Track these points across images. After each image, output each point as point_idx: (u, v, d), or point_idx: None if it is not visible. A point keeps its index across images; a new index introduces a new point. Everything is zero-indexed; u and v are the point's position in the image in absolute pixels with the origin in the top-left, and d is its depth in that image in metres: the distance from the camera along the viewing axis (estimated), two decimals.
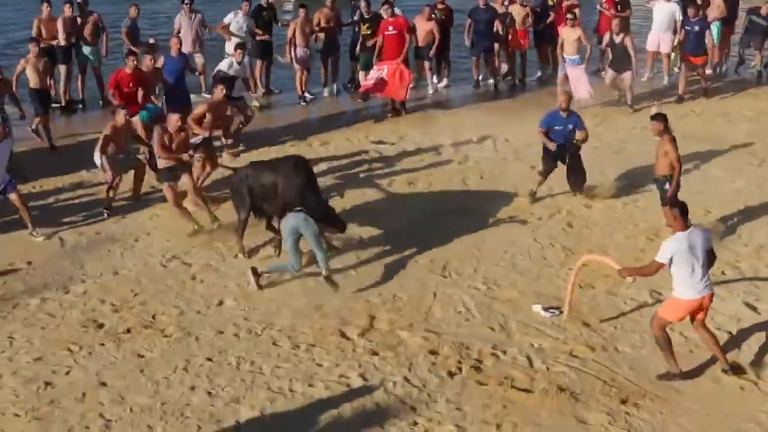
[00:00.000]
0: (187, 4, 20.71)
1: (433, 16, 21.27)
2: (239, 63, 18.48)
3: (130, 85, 17.38)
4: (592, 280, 13.28)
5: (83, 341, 12.11)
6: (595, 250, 14.20)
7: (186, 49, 19.48)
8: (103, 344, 12.06)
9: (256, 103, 20.22)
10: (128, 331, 12.36)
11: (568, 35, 20.31)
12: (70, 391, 11.07)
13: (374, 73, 19.92)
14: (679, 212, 10.85)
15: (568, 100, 15.75)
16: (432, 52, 21.35)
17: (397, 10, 20.96)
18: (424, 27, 21.15)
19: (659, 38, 22.14)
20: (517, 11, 21.82)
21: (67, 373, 11.46)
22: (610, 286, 13.24)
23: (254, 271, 13.31)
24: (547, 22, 22.16)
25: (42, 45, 19.41)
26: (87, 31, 20.39)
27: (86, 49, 20.50)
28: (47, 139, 18.25)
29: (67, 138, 18.67)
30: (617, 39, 20.10)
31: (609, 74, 20.64)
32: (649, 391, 11.00)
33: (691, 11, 21.16)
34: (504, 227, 14.70)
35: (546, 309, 12.60)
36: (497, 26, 21.59)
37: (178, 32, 20.39)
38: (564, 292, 12.61)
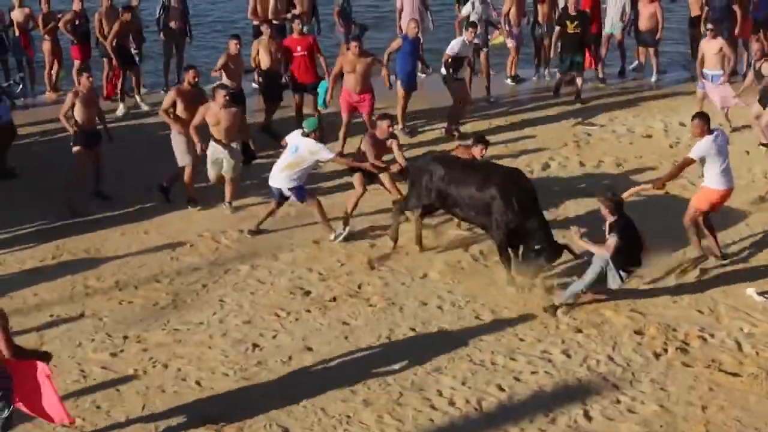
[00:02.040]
0: None
1: None
2: (470, 42, 18.14)
3: (298, 48, 17.74)
4: None
5: (290, 307, 12.41)
6: None
7: (404, 26, 19.15)
8: (309, 311, 12.32)
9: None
10: (334, 299, 12.60)
11: (709, 48, 18.11)
12: (277, 354, 11.36)
13: None
14: (703, 120, 12.77)
15: None
16: (658, 36, 20.80)
17: None
18: (646, 10, 20.58)
19: None
20: None
21: (274, 336, 11.77)
22: None
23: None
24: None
25: (256, 23, 19.84)
26: (301, 8, 20.61)
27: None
28: (264, 124, 18.11)
29: (282, 113, 18.85)
30: (759, 66, 16.70)
31: (755, 109, 16.79)
32: None
33: None
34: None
35: (761, 293, 12.22)
36: (736, 12, 20.39)
37: (401, 11, 20.48)
38: None
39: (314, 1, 21.05)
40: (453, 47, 18.03)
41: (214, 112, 14.75)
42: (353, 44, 17.12)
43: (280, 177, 14.01)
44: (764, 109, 16.24)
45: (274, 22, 19.93)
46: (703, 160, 12.74)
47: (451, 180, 13.13)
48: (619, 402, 10.37)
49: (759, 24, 21.21)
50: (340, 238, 14.02)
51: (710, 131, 12.72)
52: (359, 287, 12.87)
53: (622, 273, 11.83)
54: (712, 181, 12.80)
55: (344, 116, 17.18)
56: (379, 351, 11.37)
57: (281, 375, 10.97)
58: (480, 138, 14.47)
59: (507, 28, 20.49)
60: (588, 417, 10.15)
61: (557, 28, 19.68)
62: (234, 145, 14.98)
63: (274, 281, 13.09)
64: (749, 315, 11.85)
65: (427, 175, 13.34)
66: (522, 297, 12.44)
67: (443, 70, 18.07)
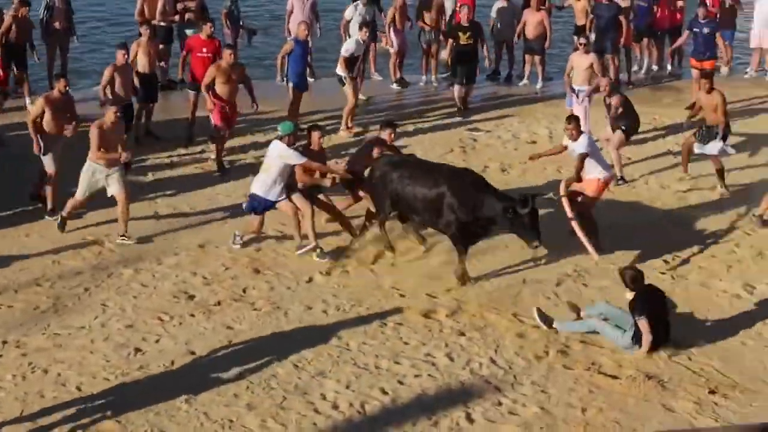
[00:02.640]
0: None
1: (541, 7, 20.95)
2: (363, 42, 18.54)
3: (204, 50, 17.77)
4: (686, 272, 13.16)
5: (174, 311, 12.31)
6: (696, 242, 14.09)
7: (294, 31, 19.19)
8: (193, 315, 12.24)
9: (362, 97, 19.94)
10: (218, 303, 12.52)
11: (579, 63, 17.85)
12: (160, 358, 11.25)
13: None
14: (577, 122, 14.18)
15: None
16: (546, 45, 21.06)
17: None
18: (533, 18, 20.85)
19: (761, 34, 21.71)
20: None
21: (157, 341, 11.66)
22: (704, 278, 13.11)
23: (541, 314, 12.05)
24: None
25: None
26: (191, 11, 20.47)
27: (189, 31, 20.59)
28: (144, 126, 17.91)
29: (165, 116, 18.74)
30: (609, 100, 16.47)
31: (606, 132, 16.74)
32: (739, 383, 10.85)
33: (701, 11, 19.75)
34: (599, 214, 14.48)
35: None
36: (622, 23, 20.78)
37: (291, 14, 20.48)
38: (661, 283, 12.50)
39: (203, 3, 20.92)
40: (348, 49, 18.33)
41: (108, 132, 14.02)
42: (227, 52, 16.65)
43: (256, 180, 13.75)
44: (614, 132, 16.36)
45: (162, 23, 19.83)
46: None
47: (403, 182, 13.20)
48: (500, 404, 10.46)
49: (641, 32, 21.71)
50: (238, 244, 13.91)
51: (582, 132, 14.17)
52: (244, 291, 12.82)
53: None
54: (599, 171, 13.92)
55: (222, 129, 16.52)
56: (263, 355, 11.30)
57: (164, 379, 10.86)
58: (389, 122, 14.77)
59: (391, 32, 20.64)
60: (470, 419, 10.22)
61: (449, 40, 19.77)
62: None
63: (157, 285, 12.97)
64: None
65: (382, 181, 13.40)
66: (406, 301, 12.52)
67: (339, 71, 18.25)
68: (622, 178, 16.15)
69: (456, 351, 11.44)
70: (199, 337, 11.72)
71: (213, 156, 16.74)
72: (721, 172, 15.77)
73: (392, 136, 14.47)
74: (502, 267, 13.33)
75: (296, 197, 13.62)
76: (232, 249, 13.83)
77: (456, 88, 19.82)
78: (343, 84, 18.31)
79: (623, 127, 16.20)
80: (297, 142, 13.96)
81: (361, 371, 11.04)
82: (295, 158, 13.57)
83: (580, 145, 13.88)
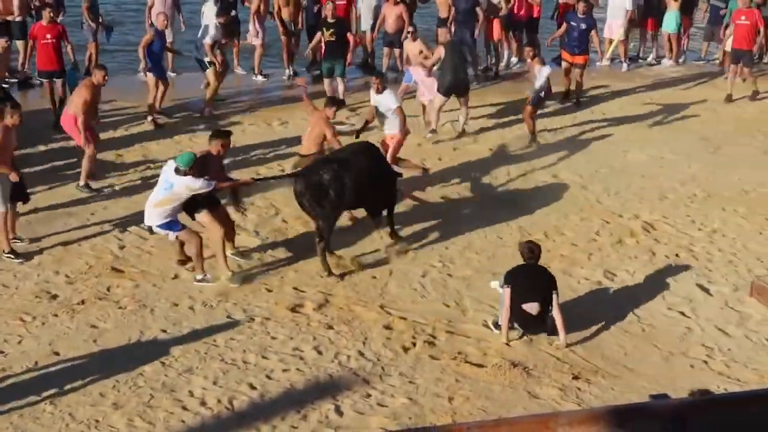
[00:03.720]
0: None
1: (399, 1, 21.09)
2: (221, 24, 18.70)
3: (48, 36, 17.83)
4: (548, 260, 13.37)
5: (36, 311, 12.06)
6: (550, 231, 14.34)
7: (154, 20, 19.21)
8: (56, 315, 12.01)
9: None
10: (82, 302, 12.31)
11: (410, 49, 18.62)
12: (23, 360, 11.02)
13: None
14: (383, 78, 15.47)
15: None
16: (403, 37, 21.18)
17: None
18: (392, 12, 21.02)
19: (612, 24, 22.32)
20: None
21: (20, 342, 11.41)
22: (566, 266, 13.36)
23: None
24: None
25: None
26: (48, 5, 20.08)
27: None
28: None
29: (24, 108, 18.30)
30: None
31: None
32: (600, 368, 11.11)
33: (581, 6, 20.10)
34: (460, 207, 14.71)
35: (503, 285, 12.62)
36: (478, 14, 21.06)
37: (151, 6, 20.35)
38: None
39: None
40: (212, 35, 18.56)
41: (10, 135, 13.19)
42: (101, 74, 15.55)
43: (152, 213, 12.76)
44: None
45: (17, 19, 19.50)
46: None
47: (351, 176, 13.05)
48: (369, 396, 10.53)
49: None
50: (208, 282, 12.84)
51: (383, 88, 15.32)
52: (108, 290, 12.63)
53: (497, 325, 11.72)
54: (395, 128, 15.25)
55: (92, 150, 15.49)
56: (130, 353, 11.18)
57: (27, 381, 10.64)
58: (336, 100, 15.54)
59: (255, 23, 20.64)
60: (339, 412, 10.26)
61: (317, 34, 19.79)
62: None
63: (19, 285, 12.69)
64: (493, 307, 12.20)
65: (334, 186, 12.96)
66: (274, 296, 12.51)
67: (203, 56, 18.68)
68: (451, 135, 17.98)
69: (324, 344, 11.47)
70: (62, 337, 11.52)
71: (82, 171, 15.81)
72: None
73: (334, 113, 14.83)
74: (369, 259, 13.40)
75: (204, 215, 13.07)
76: (95, 247, 13.65)
77: (326, 82, 19.86)
78: (205, 68, 18.67)
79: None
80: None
81: (229, 367, 10.99)
82: (207, 186, 12.63)
83: (392, 101, 15.19)
